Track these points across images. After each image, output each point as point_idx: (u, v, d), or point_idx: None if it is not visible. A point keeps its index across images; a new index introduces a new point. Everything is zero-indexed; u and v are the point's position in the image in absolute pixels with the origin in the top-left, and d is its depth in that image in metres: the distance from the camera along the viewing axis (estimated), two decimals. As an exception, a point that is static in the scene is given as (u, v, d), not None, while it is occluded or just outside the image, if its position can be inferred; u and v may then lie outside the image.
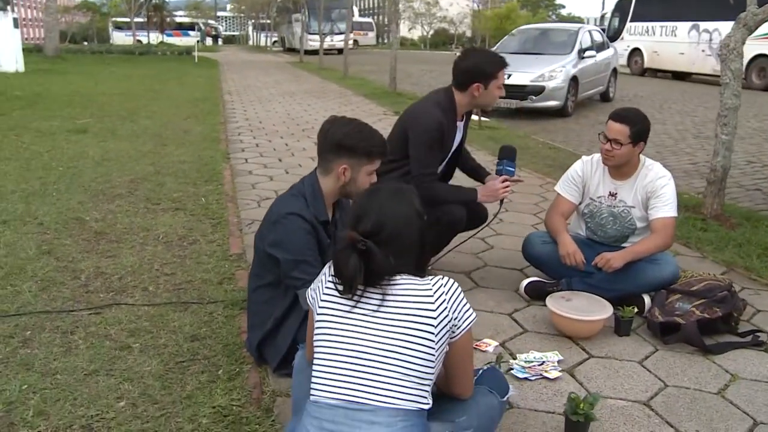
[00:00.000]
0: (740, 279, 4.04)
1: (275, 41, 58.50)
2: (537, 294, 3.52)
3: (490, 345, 3.05)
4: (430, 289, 1.86)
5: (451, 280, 1.91)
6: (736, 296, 3.32)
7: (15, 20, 18.04)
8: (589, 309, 3.14)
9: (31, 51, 24.11)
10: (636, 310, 3.21)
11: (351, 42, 41.93)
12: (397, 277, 1.90)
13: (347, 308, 1.86)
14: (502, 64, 3.47)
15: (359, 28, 48.90)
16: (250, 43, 67.95)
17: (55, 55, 23.25)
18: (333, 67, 23.29)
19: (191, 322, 3.20)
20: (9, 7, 18.34)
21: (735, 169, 7.19)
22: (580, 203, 3.73)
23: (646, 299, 3.38)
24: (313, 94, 14.91)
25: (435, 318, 1.83)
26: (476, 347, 3.00)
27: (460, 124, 3.63)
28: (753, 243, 4.63)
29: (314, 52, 30.01)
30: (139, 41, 43.27)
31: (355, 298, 1.85)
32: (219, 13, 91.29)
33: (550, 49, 13.04)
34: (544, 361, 2.89)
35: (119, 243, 4.31)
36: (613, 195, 3.59)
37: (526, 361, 2.89)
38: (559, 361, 2.92)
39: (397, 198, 1.99)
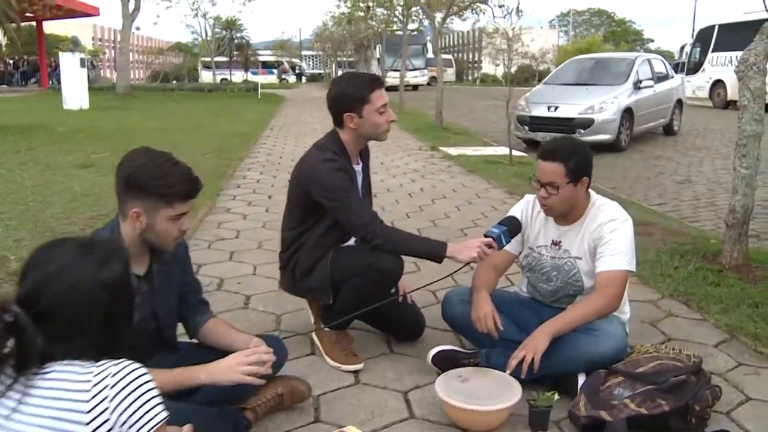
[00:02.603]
0: (740, 350, 3.18)
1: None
2: (448, 366, 2.80)
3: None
4: (89, 382, 1.30)
5: (132, 368, 1.32)
6: (702, 383, 2.49)
7: (82, 60, 18.57)
8: (489, 394, 2.40)
9: (104, 90, 24.91)
10: (557, 396, 2.44)
11: (427, 78, 42.12)
12: (53, 365, 1.31)
13: None
14: (374, 83, 2.87)
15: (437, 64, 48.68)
16: (334, 80, 68.82)
17: (125, 93, 23.89)
18: (395, 102, 22.92)
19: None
20: (78, 49, 18.90)
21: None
22: (520, 253, 3.01)
23: (581, 380, 2.60)
24: (357, 129, 14.46)
25: (86, 424, 1.27)
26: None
27: (357, 168, 3.02)
28: (773, 302, 3.73)
29: (389, 88, 29.80)
30: (224, 80, 44.56)
31: None
32: (304, 52, 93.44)
33: (603, 80, 12.16)
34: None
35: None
36: (556, 244, 2.86)
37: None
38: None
39: (80, 257, 1.43)
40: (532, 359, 2.46)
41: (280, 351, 2.43)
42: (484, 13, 17.07)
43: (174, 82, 47.94)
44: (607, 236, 2.67)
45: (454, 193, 7.11)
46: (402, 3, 19.70)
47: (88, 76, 39.07)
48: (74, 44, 19.32)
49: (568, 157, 2.66)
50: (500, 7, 12.63)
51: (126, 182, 2.06)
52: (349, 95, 2.83)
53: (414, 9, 19.67)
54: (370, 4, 22.49)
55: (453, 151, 10.50)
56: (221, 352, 2.22)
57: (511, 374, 2.51)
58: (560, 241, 2.85)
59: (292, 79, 66.51)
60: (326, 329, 3.05)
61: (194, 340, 2.49)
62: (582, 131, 11.00)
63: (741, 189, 4.21)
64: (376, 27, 28.19)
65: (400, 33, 23.74)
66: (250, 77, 52.75)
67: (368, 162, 3.17)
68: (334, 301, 2.92)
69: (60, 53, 19.41)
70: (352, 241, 2.98)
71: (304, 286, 3.01)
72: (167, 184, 2.03)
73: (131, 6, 23.45)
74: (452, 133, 12.93)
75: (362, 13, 25.84)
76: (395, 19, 23.24)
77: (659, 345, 2.66)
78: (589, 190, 2.83)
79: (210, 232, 5.28)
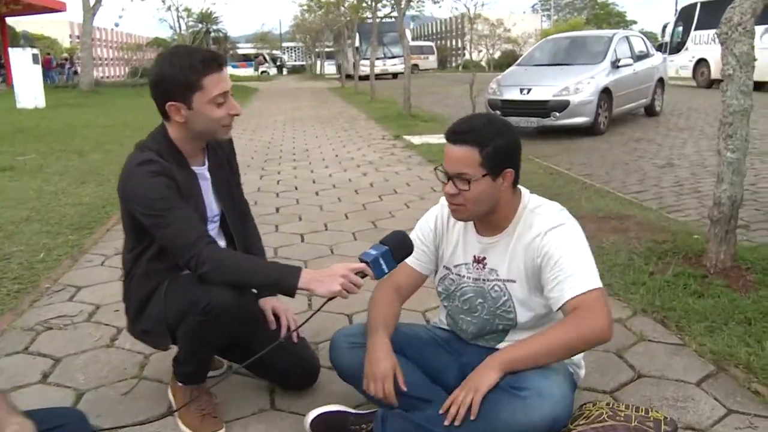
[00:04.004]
0: (730, 390, 2.43)
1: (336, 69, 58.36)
2: (332, 435, 2.04)
3: None
4: None
5: None
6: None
7: (35, 56, 17.62)
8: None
9: (68, 87, 23.98)
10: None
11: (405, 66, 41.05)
12: None
13: None
14: (208, 64, 2.06)
15: (419, 51, 47.99)
16: (317, 72, 68.27)
17: (89, 89, 22.97)
18: (368, 91, 22.16)
19: None
20: (29, 45, 17.96)
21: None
22: (434, 273, 2.25)
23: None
24: (322, 120, 13.81)
25: None
26: None
27: (200, 171, 2.25)
28: (772, 317, 2.99)
29: (365, 77, 29.16)
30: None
31: None
32: (286, 44, 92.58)
33: (579, 60, 11.40)
34: None
35: None
36: (479, 261, 2.10)
37: None
38: None
39: None
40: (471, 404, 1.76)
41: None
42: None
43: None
44: (554, 253, 1.91)
45: (407, 188, 6.33)
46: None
47: (67, 74, 38.10)
48: (25, 39, 18.37)
49: (485, 140, 1.90)
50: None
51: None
52: (172, 79, 2.05)
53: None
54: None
55: (417, 139, 9.73)
56: None
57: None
58: (484, 258, 2.09)
59: (273, 71, 65.65)
60: (179, 383, 2.29)
61: None
62: (557, 114, 10.26)
63: (727, 176, 3.46)
64: (347, 14, 27.31)
65: (376, 21, 22.89)
66: (231, 70, 51.97)
67: (230, 160, 2.41)
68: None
69: (10, 49, 18.45)
70: None
71: (138, 328, 2.25)
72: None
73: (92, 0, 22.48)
74: (420, 120, 12.14)
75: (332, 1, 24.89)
76: (365, 4, 22.32)
77: (617, 405, 1.89)
78: (519, 187, 2.07)
79: (111, 245, 4.48)
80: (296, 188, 6.47)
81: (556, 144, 9.81)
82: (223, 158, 2.36)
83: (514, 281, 2.04)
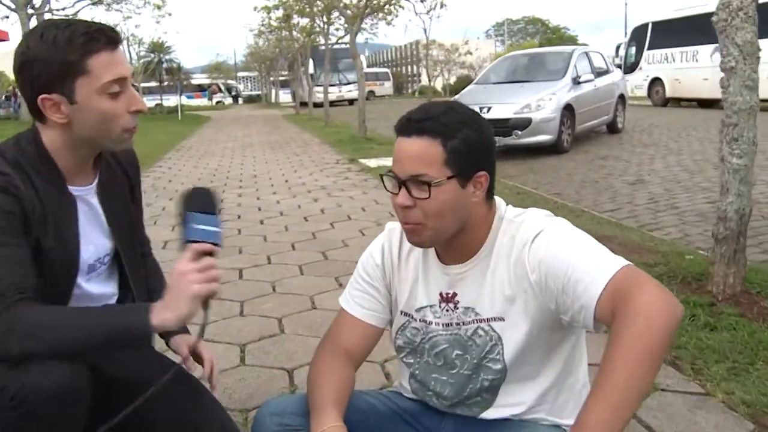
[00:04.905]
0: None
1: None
2: None
3: None
4: None
5: None
6: None
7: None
8: None
9: (10, 119, 23.06)
10: None
11: (359, 86, 40.66)
12: None
13: None
14: (94, 39, 1.41)
15: (375, 78, 47.95)
16: (272, 101, 67.90)
17: (29, 119, 22.06)
18: (323, 117, 21.75)
19: None
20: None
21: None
22: (390, 325, 1.63)
23: None
24: (273, 145, 13.25)
25: None
26: None
27: (83, 191, 1.57)
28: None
29: (319, 105, 28.82)
30: (158, 104, 42.93)
31: None
32: (241, 74, 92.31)
33: (539, 76, 11.04)
34: None
35: None
36: (449, 299, 1.49)
37: None
38: None
39: None
40: None
41: None
42: (403, 8, 15.84)
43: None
44: (555, 254, 1.31)
45: (362, 213, 5.74)
46: (321, 7, 18.34)
47: (13, 107, 36.66)
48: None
49: (450, 130, 1.33)
50: (422, 1, 11.20)
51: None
52: (44, 61, 1.40)
53: (334, 15, 18.34)
54: (289, 12, 21.06)
55: (373, 162, 9.18)
56: None
57: None
58: (454, 295, 1.48)
59: (228, 100, 65.01)
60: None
61: None
62: (519, 132, 9.81)
63: (734, 186, 2.94)
64: (300, 39, 26.90)
65: (332, 46, 22.48)
66: (186, 101, 51.26)
67: (132, 182, 1.75)
68: None
69: None
70: None
71: None
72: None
73: (32, 25, 21.62)
74: (376, 143, 11.62)
75: (283, 23, 24.42)
76: (317, 28, 21.90)
77: None
78: (495, 198, 1.49)
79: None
80: (239, 217, 5.82)
81: (520, 163, 9.36)
82: (121, 178, 1.70)
83: (501, 318, 1.44)
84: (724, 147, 2.94)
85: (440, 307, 1.51)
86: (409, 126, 1.36)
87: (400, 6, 15.46)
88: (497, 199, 1.49)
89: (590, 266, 1.29)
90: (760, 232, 4.83)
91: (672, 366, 2.48)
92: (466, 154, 1.33)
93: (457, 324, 1.49)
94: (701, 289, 3.15)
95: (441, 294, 1.50)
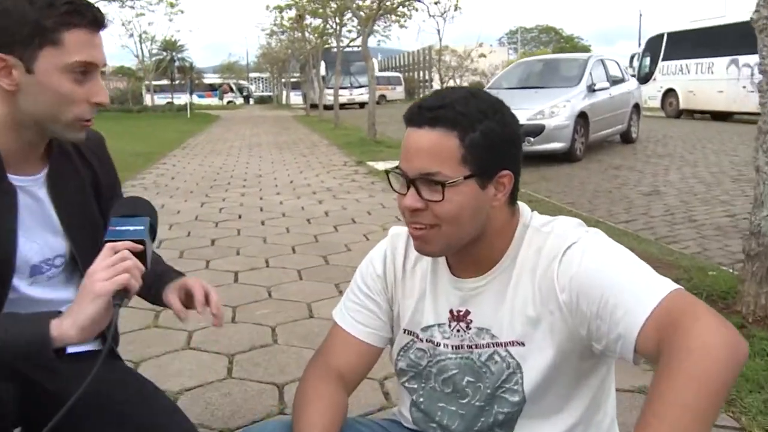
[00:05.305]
0: None
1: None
2: None
3: None
4: None
5: None
6: None
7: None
8: None
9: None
10: None
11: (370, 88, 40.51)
12: None
13: None
14: (78, 13, 1.20)
15: (386, 82, 47.92)
16: (284, 102, 68.01)
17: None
18: (333, 119, 21.62)
19: None
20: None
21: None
22: (391, 344, 1.41)
23: None
24: (280, 146, 13.06)
25: None
26: None
27: (29, 183, 1.33)
28: None
29: (329, 107, 28.76)
30: (169, 103, 43.03)
31: None
32: (253, 74, 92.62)
33: (553, 83, 10.81)
34: None
35: None
36: (461, 318, 1.28)
37: None
38: None
39: None
40: None
41: None
42: (417, 10, 15.67)
43: (120, 105, 46.32)
44: (591, 272, 1.09)
45: (368, 217, 5.52)
46: (335, 8, 18.18)
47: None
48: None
49: (469, 121, 1.12)
50: (436, 3, 11.02)
51: None
52: (15, 15, 1.19)
53: (347, 16, 18.18)
54: (301, 12, 20.93)
55: (381, 165, 8.97)
56: None
57: None
58: (467, 313, 1.27)
59: (239, 101, 65.11)
60: None
61: None
62: (531, 140, 9.58)
63: (768, 199, 2.71)
64: (312, 40, 26.79)
65: (344, 48, 22.35)
66: (197, 100, 51.39)
67: (96, 176, 1.50)
68: None
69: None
70: None
71: None
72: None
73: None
74: (385, 146, 11.42)
75: (295, 24, 24.31)
76: (330, 29, 21.76)
77: None
78: (519, 203, 1.27)
79: None
80: (240, 217, 5.62)
81: (532, 171, 9.13)
82: (82, 170, 1.44)
83: (521, 343, 1.22)
84: (761, 156, 2.72)
85: (450, 326, 1.29)
86: (420, 115, 1.14)
87: (414, 8, 15.21)
88: (521, 204, 1.27)
89: (633, 288, 1.07)
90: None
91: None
92: (487, 149, 1.12)
93: (469, 347, 1.27)
94: (728, 308, 2.93)
95: (451, 311, 1.28)
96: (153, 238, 1.22)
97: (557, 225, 1.23)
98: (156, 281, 1.48)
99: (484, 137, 1.12)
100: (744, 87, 17.81)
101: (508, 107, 1.22)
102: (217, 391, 2.34)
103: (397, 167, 1.19)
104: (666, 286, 1.06)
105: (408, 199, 1.16)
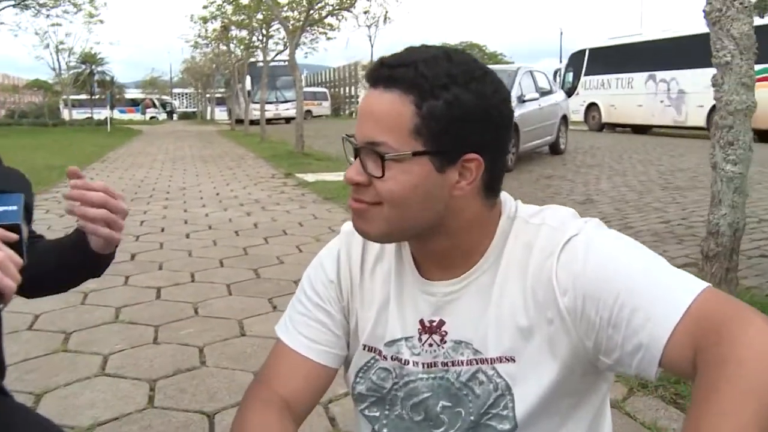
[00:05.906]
0: None
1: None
2: None
3: None
4: None
5: None
6: None
7: None
8: None
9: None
10: None
11: (297, 100, 40.10)
12: None
13: None
14: None
15: (312, 97, 47.73)
16: (208, 117, 66.97)
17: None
18: (260, 134, 21.26)
19: None
20: None
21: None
22: (346, 365, 1.16)
23: None
24: (205, 159, 12.66)
25: None
26: None
27: None
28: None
29: (255, 122, 28.31)
30: (88, 118, 41.59)
31: None
32: (176, 90, 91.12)
33: (483, 94, 10.78)
34: None
35: None
36: (433, 330, 1.03)
37: None
38: None
39: None
40: None
41: None
42: (345, 19, 15.55)
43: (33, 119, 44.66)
44: (602, 278, 0.87)
45: (299, 228, 5.24)
46: (261, 18, 17.84)
47: None
48: None
49: (430, 86, 0.88)
50: (365, 13, 10.86)
51: None
52: None
53: (274, 27, 17.88)
54: (226, 24, 20.49)
55: (311, 177, 8.70)
56: None
57: None
58: (441, 323, 1.03)
59: (162, 116, 63.73)
60: None
61: None
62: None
63: (727, 197, 2.59)
64: (237, 52, 26.36)
65: (270, 62, 22.00)
66: (118, 115, 50.00)
67: None
68: None
69: None
70: None
71: None
72: None
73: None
74: (314, 159, 11.16)
75: (220, 35, 23.84)
76: (256, 42, 21.39)
77: None
78: (504, 195, 1.04)
79: None
80: (162, 230, 5.24)
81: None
82: None
83: (511, 359, 0.98)
84: (717, 152, 2.60)
85: (420, 340, 1.04)
86: (378, 73, 0.91)
87: (343, 17, 15.05)
88: (504, 195, 1.04)
89: (654, 288, 0.85)
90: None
91: (673, 405, 2.09)
92: (450, 122, 0.88)
93: (444, 364, 1.03)
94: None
95: (422, 322, 1.04)
96: (29, 221, 0.93)
97: (549, 215, 1.00)
98: (62, 255, 1.16)
99: (449, 107, 0.88)
100: (662, 101, 18.51)
101: (498, 78, 0.99)
102: (135, 424, 2.02)
103: (347, 136, 0.96)
104: (696, 284, 0.84)
105: (350, 171, 0.93)
